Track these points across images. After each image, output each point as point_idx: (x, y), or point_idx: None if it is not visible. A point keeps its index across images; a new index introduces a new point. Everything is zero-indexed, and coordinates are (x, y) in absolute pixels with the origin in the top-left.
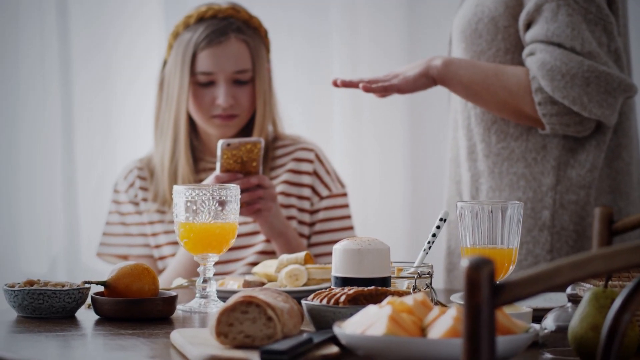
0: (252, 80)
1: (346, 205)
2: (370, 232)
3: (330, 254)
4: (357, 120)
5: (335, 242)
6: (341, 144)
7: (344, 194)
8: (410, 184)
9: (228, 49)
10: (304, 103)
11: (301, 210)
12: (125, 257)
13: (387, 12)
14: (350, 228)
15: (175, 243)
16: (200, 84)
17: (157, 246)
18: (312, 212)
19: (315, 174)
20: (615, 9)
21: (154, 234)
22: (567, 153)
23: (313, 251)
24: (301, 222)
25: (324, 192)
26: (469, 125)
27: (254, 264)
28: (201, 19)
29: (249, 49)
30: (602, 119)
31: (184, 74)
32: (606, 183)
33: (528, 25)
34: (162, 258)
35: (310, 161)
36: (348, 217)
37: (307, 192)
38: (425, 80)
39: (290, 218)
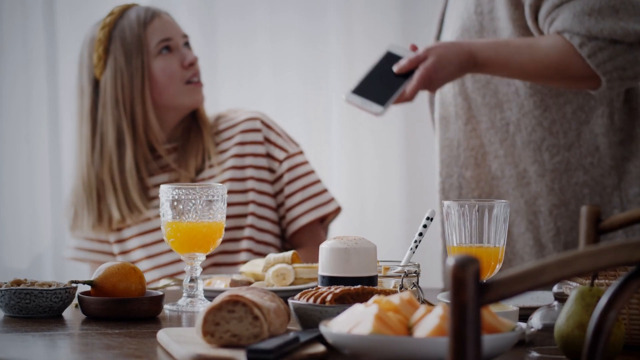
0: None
1: (306, 162)
2: (368, 235)
3: (311, 211)
4: (355, 121)
5: (308, 198)
6: (339, 145)
7: (301, 152)
8: (407, 187)
9: (165, 18)
10: (301, 105)
11: (259, 180)
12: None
13: (383, 13)
14: (318, 181)
15: (147, 245)
16: (159, 56)
17: (125, 252)
18: (275, 181)
19: (267, 141)
20: None
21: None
22: (621, 147)
23: (299, 222)
24: (261, 193)
25: (281, 155)
26: (514, 153)
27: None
28: (123, 10)
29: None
30: None
31: (139, 58)
32: None
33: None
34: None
35: (257, 130)
36: (312, 172)
37: (262, 161)
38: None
39: (247, 191)
